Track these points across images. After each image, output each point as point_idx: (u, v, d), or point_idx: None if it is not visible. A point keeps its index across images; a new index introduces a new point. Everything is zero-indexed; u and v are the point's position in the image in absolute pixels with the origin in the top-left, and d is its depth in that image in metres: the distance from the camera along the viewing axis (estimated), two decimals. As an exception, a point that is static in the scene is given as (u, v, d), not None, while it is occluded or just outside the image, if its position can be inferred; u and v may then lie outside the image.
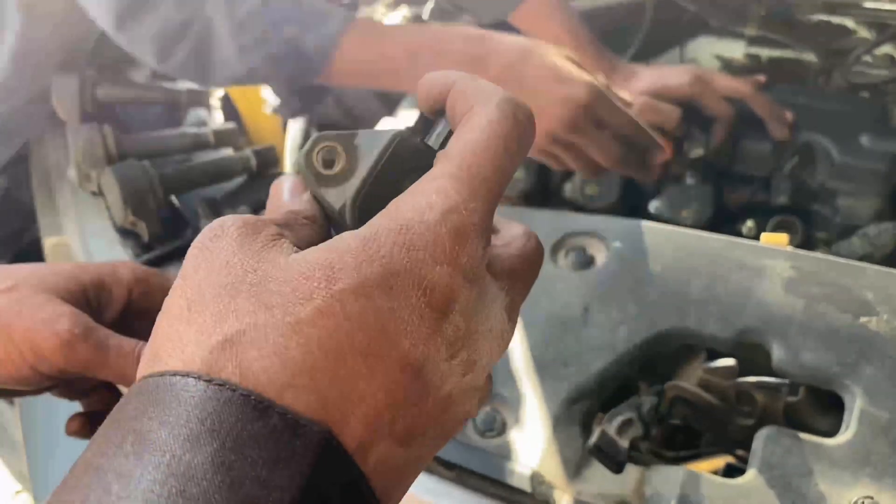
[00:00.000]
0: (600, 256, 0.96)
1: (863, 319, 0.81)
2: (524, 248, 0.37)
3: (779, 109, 1.21)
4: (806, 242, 1.16)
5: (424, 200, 0.32)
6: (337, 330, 0.28)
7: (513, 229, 0.38)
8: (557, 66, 1.03)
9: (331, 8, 1.06)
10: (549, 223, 1.01)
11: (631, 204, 1.25)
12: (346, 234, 0.31)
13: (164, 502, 0.24)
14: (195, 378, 0.27)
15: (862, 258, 1.06)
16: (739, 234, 1.17)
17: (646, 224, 0.99)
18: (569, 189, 1.24)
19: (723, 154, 1.23)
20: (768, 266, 0.89)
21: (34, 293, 0.59)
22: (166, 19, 1.04)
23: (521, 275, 0.36)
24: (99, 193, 1.15)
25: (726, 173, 1.24)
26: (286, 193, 0.35)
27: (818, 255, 0.90)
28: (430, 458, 0.33)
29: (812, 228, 1.19)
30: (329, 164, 0.36)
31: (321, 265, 0.29)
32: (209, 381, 0.27)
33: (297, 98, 1.13)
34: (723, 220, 1.22)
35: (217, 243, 0.31)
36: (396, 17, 1.44)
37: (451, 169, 0.33)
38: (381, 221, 0.31)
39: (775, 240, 1.05)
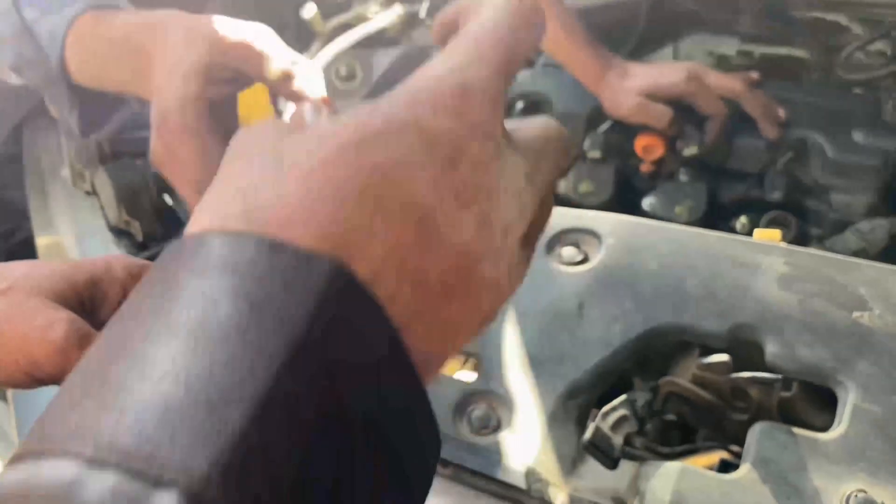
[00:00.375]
0: (595, 253, 0.96)
1: (856, 315, 0.82)
2: (546, 126, 0.38)
3: (772, 108, 1.21)
4: (800, 238, 1.16)
5: (429, 66, 0.33)
6: (343, 177, 0.30)
7: (533, 120, 0.38)
8: None
9: None
10: (543, 220, 1.01)
11: (625, 201, 1.25)
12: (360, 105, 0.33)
13: (188, 328, 0.26)
14: (213, 234, 0.29)
15: (856, 253, 1.06)
16: (733, 231, 1.17)
17: (640, 221, 0.99)
18: (563, 186, 1.25)
19: (717, 151, 1.23)
20: (762, 262, 0.89)
21: (27, 297, 0.58)
22: None
23: (542, 150, 0.36)
24: (92, 193, 1.15)
25: (720, 170, 1.25)
26: (308, 114, 0.35)
27: (812, 250, 0.90)
28: (462, 329, 0.33)
29: (806, 224, 1.20)
30: (349, 77, 0.37)
31: (331, 126, 0.31)
32: (224, 233, 0.29)
33: (77, 112, 0.98)
34: (716, 217, 1.23)
35: (245, 135, 0.33)
36: (390, 15, 1.43)
37: (457, 42, 0.34)
38: (389, 93, 0.33)
39: (769, 236, 1.06)
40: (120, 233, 1.16)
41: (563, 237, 0.99)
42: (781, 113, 1.20)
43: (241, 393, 0.24)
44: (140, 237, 1.13)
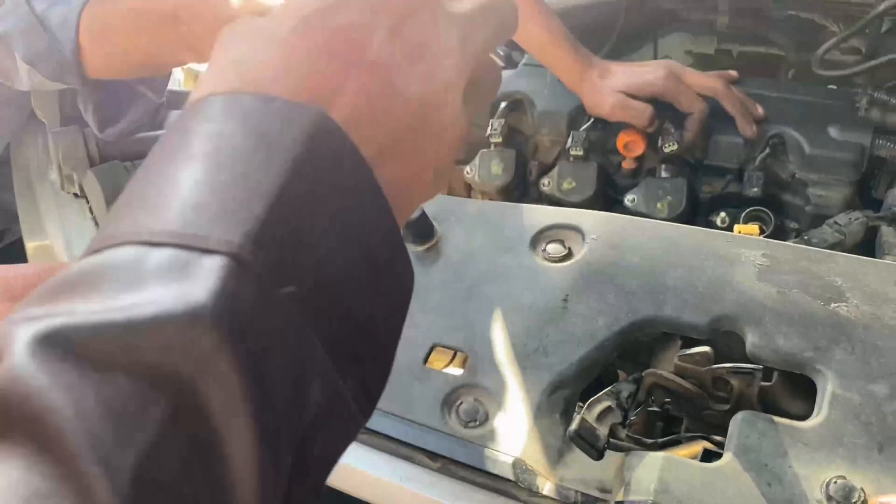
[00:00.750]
0: (578, 249, 0.98)
1: (833, 306, 0.84)
2: None
3: (749, 106, 1.23)
4: (778, 232, 1.19)
5: None
6: (312, 41, 0.36)
7: None
8: None
9: None
10: (527, 217, 1.03)
11: (607, 198, 1.27)
12: None
13: (208, 154, 0.32)
14: (214, 96, 0.34)
15: (833, 246, 1.09)
16: (713, 226, 1.19)
17: (622, 217, 1.01)
18: (546, 184, 1.27)
19: (696, 148, 1.25)
20: (742, 255, 0.91)
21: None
22: None
23: (477, 18, 0.41)
24: (81, 195, 1.16)
25: (700, 166, 1.27)
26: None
27: (790, 244, 0.92)
28: (423, 161, 0.38)
29: (784, 218, 1.22)
30: None
31: (294, 1, 0.38)
32: (224, 94, 0.34)
33: (93, 105, 0.98)
34: (697, 213, 1.25)
35: (228, 28, 0.39)
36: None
37: None
38: None
39: (748, 231, 1.08)
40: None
41: (547, 234, 1.01)
42: (759, 111, 1.22)
43: (259, 191, 0.31)
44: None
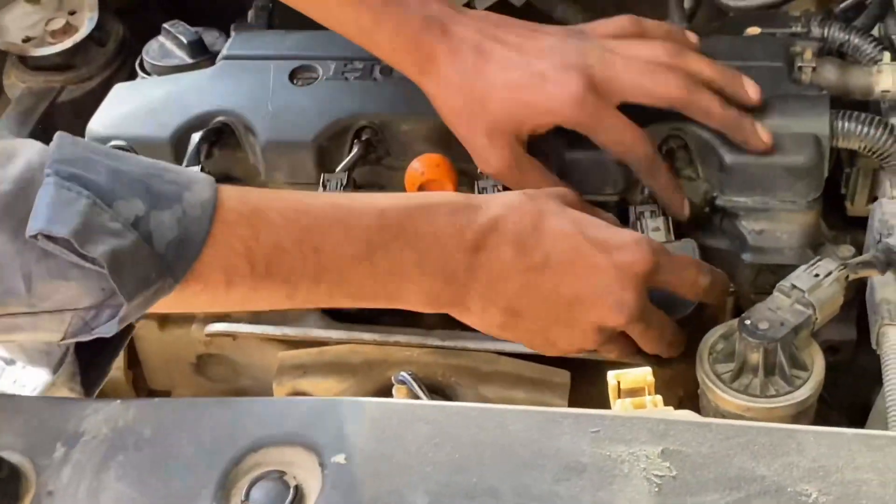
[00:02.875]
0: (312, 486, 0.49)
1: None
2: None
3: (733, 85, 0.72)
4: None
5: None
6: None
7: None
8: (586, 225, 0.66)
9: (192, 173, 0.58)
10: (226, 425, 0.52)
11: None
12: None
13: None
14: None
15: (794, 335, 0.62)
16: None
17: (395, 404, 0.51)
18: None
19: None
20: (625, 460, 0.46)
21: None
22: None
23: None
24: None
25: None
26: None
27: (709, 423, 0.45)
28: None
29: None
30: None
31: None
32: None
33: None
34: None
35: None
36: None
37: None
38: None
39: (632, 385, 0.57)
40: None
41: (252, 462, 0.50)
42: (750, 93, 0.72)
43: None
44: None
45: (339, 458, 0.48)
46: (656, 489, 0.45)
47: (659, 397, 0.52)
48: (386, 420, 0.50)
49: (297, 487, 0.48)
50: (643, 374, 0.53)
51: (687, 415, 0.49)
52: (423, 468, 0.48)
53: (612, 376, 0.54)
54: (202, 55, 0.86)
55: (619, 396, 0.53)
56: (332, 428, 0.50)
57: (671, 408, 0.51)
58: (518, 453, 0.48)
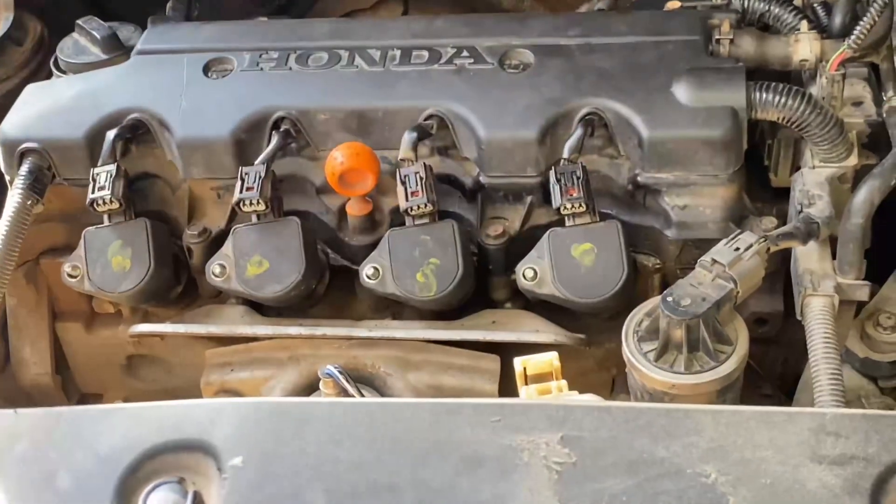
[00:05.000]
0: (211, 493, 0.47)
1: None
2: None
3: None
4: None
5: None
6: None
7: None
8: None
9: None
10: (122, 431, 0.51)
11: (334, 274, 0.75)
12: None
13: None
14: None
15: (715, 309, 0.61)
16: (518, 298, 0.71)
17: (299, 403, 0.51)
18: (217, 273, 0.73)
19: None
20: (524, 450, 0.44)
21: None
22: None
23: None
24: None
25: (476, 191, 0.75)
26: None
27: (607, 406, 0.43)
28: None
29: (634, 253, 0.72)
30: None
31: None
32: None
33: None
34: (488, 275, 0.74)
35: None
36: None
37: None
38: None
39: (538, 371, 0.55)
40: None
41: (150, 469, 0.48)
42: None
43: None
44: None
45: (237, 461, 0.47)
46: (556, 477, 0.45)
47: (564, 382, 0.51)
48: (283, 419, 0.49)
49: (195, 493, 0.47)
50: (549, 359, 0.52)
51: (589, 399, 0.48)
52: (322, 467, 0.47)
53: (518, 362, 0.53)
54: (117, 51, 0.84)
55: (525, 382, 0.52)
56: (229, 430, 0.49)
57: (576, 392, 0.50)
58: (418, 447, 0.47)
